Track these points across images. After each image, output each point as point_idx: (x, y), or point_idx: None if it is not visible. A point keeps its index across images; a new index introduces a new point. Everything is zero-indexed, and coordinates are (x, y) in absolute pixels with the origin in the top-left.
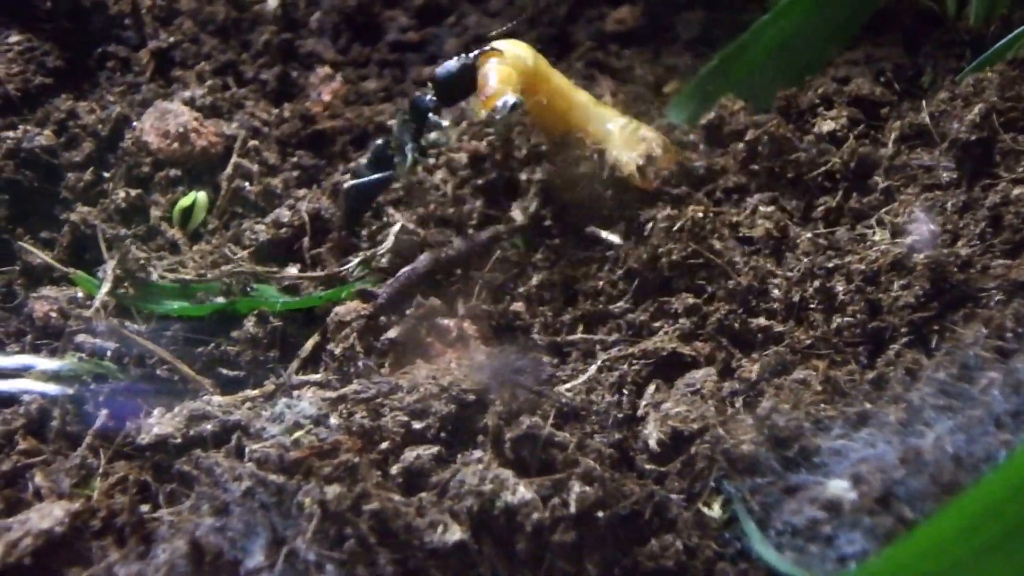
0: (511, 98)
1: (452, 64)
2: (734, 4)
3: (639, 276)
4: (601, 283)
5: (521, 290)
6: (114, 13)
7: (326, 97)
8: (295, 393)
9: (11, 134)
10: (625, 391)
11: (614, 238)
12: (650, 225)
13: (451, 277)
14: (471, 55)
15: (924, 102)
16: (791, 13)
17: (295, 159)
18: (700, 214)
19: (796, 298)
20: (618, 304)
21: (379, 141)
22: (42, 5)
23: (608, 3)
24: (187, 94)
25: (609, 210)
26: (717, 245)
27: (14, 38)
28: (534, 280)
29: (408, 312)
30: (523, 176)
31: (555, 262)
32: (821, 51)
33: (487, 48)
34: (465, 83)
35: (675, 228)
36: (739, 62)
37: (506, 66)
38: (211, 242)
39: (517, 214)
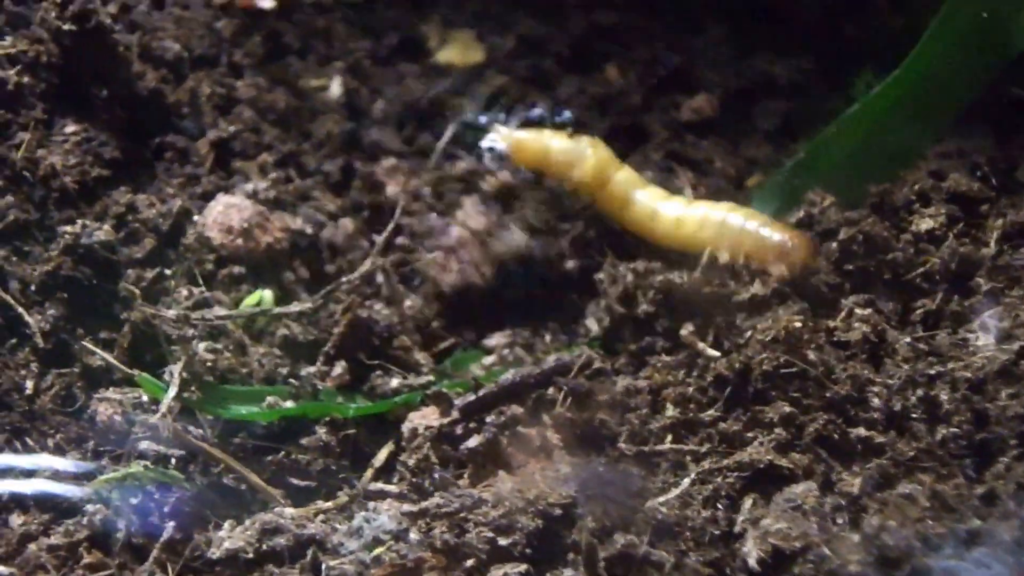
0: (500, 145)
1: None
2: (815, 91)
3: (730, 384)
4: (690, 389)
5: (605, 397)
6: (172, 102)
7: (392, 189)
8: (371, 505)
9: (69, 229)
10: (720, 505)
11: (711, 351)
12: (748, 335)
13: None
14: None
15: None
16: (879, 104)
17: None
18: (797, 324)
19: (897, 407)
20: (708, 412)
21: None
22: (98, 94)
23: (683, 92)
24: (249, 187)
25: (694, 313)
26: (812, 355)
27: (70, 128)
28: (619, 386)
29: (488, 420)
30: (600, 276)
31: (638, 367)
32: (912, 144)
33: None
34: None
35: (769, 339)
36: (826, 155)
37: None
38: (278, 342)
39: (592, 323)
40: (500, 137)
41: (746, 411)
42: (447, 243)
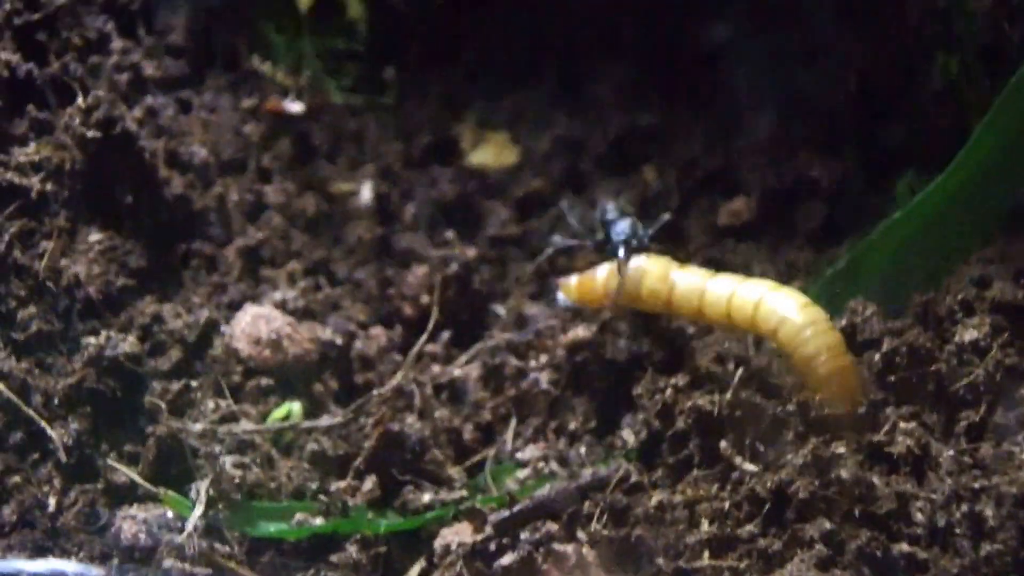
0: (566, 301)
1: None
2: (858, 194)
3: (768, 500)
4: (726, 505)
5: (640, 511)
6: (199, 208)
7: (425, 299)
8: None
9: (93, 340)
10: None
11: (749, 466)
12: (786, 453)
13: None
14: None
15: None
16: (924, 210)
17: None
18: (842, 449)
19: (941, 523)
20: (746, 528)
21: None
22: (123, 200)
23: (722, 194)
24: (278, 296)
25: (732, 428)
26: (852, 473)
27: (94, 236)
28: (654, 500)
29: (522, 536)
30: (639, 390)
31: (676, 481)
32: (957, 250)
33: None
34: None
35: (809, 460)
36: (868, 262)
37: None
38: (308, 457)
39: (628, 435)
40: (561, 290)
41: (785, 528)
42: None
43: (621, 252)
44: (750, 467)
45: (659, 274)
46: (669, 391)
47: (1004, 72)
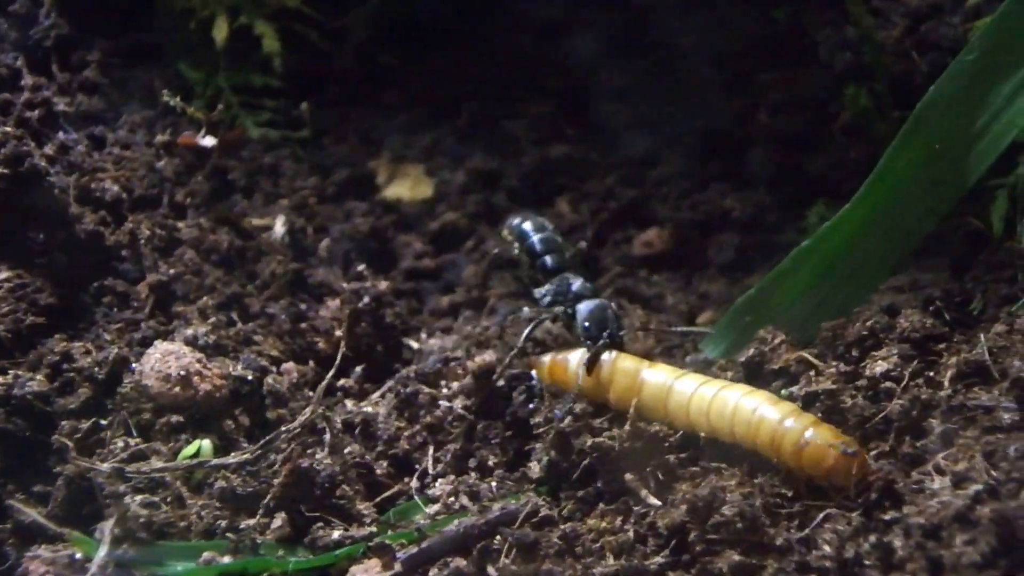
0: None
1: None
2: (771, 225)
3: (675, 533)
4: (631, 537)
5: (549, 545)
6: (111, 244)
7: (339, 334)
8: None
9: (1, 380)
10: None
11: (653, 500)
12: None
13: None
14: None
15: (982, 336)
16: (833, 239)
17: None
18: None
19: (850, 554)
20: (655, 560)
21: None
22: (35, 238)
23: (635, 225)
24: (189, 332)
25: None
26: (759, 502)
27: (4, 275)
28: (564, 533)
29: (432, 574)
30: (538, 419)
31: (586, 513)
32: (866, 279)
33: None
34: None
35: (707, 493)
36: (778, 291)
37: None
38: (218, 495)
39: (534, 467)
40: (534, 369)
41: (694, 560)
42: None
43: (591, 348)
44: (654, 500)
45: (630, 373)
46: (568, 420)
47: (914, 102)
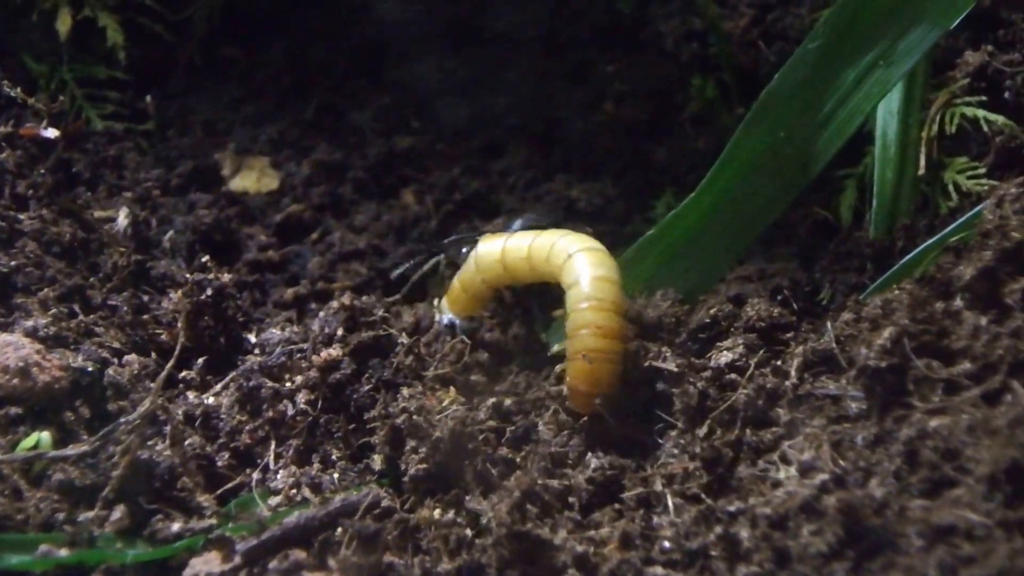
0: (447, 318)
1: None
2: (617, 215)
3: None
4: (468, 533)
5: (390, 536)
6: None
7: (179, 325)
8: None
9: None
10: None
11: (478, 503)
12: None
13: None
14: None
15: (829, 324)
16: (678, 227)
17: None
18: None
19: (695, 545)
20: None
21: None
22: None
23: (481, 217)
24: (29, 323)
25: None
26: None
27: None
28: (402, 526)
29: (271, 566)
30: (373, 413)
31: (422, 506)
32: (711, 268)
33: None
34: None
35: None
36: (625, 279)
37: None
38: (56, 487)
39: (376, 460)
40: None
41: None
42: None
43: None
44: (478, 504)
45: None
46: (401, 416)
47: (760, 92)
